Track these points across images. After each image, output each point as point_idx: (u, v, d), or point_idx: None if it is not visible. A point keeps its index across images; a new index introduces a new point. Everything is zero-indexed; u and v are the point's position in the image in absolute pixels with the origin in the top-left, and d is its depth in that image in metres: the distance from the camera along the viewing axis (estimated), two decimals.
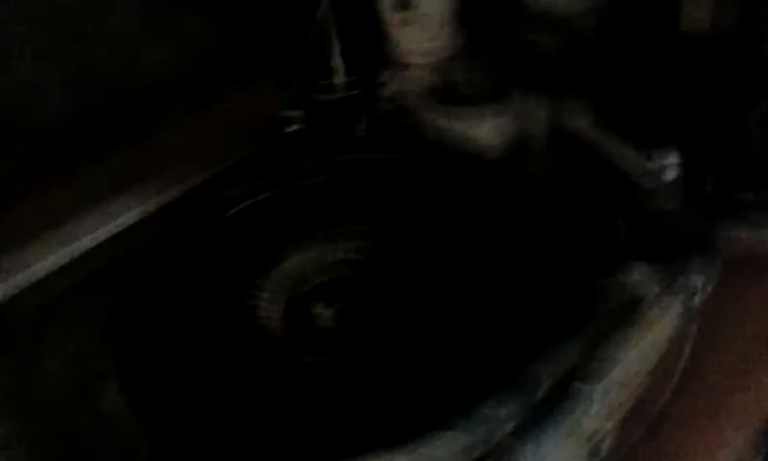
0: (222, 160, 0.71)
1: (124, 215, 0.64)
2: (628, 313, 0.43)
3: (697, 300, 0.46)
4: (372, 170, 0.61)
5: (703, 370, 0.50)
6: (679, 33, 0.72)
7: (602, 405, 0.40)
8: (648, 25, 0.75)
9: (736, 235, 0.56)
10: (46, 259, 0.59)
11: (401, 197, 0.58)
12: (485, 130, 0.67)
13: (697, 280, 0.46)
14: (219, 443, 0.40)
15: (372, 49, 0.88)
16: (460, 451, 0.37)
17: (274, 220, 0.58)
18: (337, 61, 0.82)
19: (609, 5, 0.74)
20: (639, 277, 0.44)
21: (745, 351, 0.53)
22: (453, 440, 0.38)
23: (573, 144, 0.67)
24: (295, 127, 0.77)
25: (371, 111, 0.77)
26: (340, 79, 0.82)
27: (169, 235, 0.58)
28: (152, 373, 0.45)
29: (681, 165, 0.62)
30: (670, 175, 0.62)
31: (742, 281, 0.55)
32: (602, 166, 0.65)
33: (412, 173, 0.60)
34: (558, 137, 0.69)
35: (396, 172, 0.60)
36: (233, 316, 0.50)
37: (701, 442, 0.47)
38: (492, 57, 0.80)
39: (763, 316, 0.55)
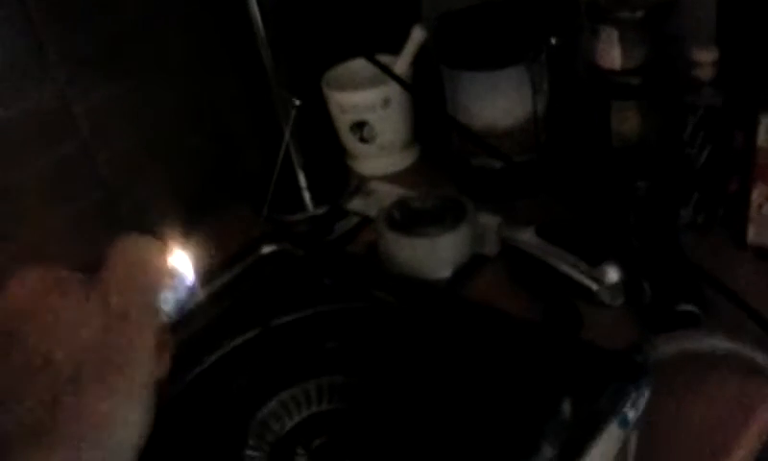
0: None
1: None
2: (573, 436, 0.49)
3: (631, 418, 0.52)
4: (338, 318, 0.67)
5: None
6: (612, 147, 0.79)
7: None
8: (583, 142, 0.82)
9: (673, 342, 0.61)
10: None
11: (363, 337, 0.64)
12: (440, 254, 0.74)
13: (628, 406, 0.51)
14: None
15: (337, 173, 0.95)
16: None
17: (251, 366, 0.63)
18: (303, 187, 0.89)
19: (545, 124, 0.81)
20: (572, 406, 0.51)
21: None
22: None
23: (522, 256, 0.73)
24: (268, 249, 0.84)
25: (336, 233, 0.84)
26: (307, 202, 0.89)
27: None
28: None
29: (621, 274, 0.68)
30: (611, 282, 0.68)
31: (679, 385, 0.60)
32: (549, 276, 0.71)
33: (375, 316, 0.66)
34: (508, 250, 0.75)
35: (357, 318, 0.66)
36: None
37: None
38: (445, 174, 0.87)
39: (695, 419, 0.58)
